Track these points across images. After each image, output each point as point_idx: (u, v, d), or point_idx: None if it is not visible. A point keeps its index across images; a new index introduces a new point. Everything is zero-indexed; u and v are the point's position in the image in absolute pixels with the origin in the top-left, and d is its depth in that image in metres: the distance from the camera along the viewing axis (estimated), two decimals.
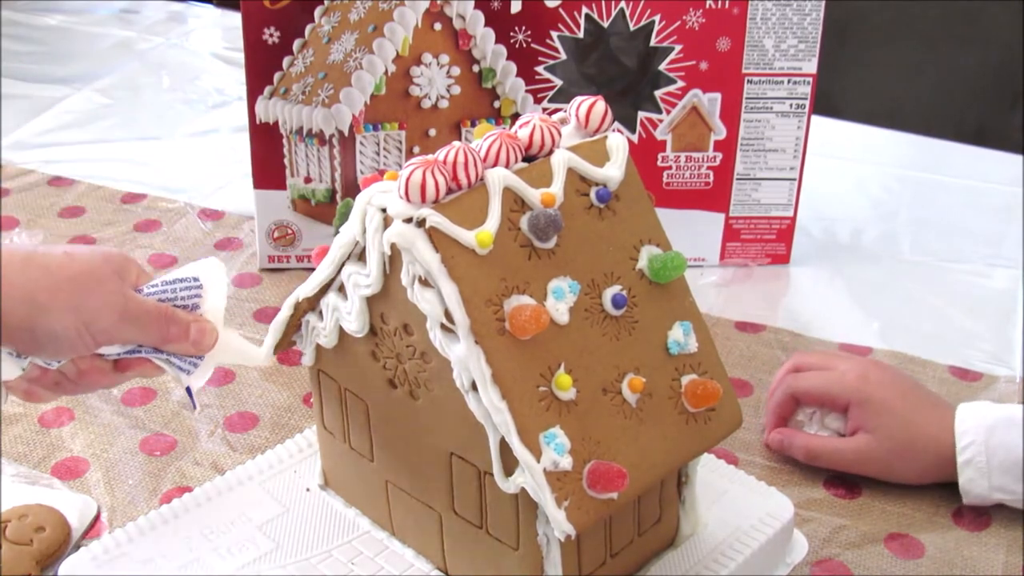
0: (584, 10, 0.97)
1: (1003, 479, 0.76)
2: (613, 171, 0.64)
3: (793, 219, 1.07)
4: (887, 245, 1.13)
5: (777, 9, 0.97)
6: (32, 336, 0.60)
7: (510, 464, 0.58)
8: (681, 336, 0.64)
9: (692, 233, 1.06)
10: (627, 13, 0.97)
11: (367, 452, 0.70)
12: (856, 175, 1.25)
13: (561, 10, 0.97)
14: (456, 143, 0.60)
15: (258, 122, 1.00)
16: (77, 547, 0.75)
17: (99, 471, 0.81)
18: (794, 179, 1.05)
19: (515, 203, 0.60)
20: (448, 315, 0.57)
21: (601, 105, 0.65)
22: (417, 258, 0.56)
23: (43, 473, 0.81)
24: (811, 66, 1.00)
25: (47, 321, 0.59)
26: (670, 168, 1.04)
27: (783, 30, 0.98)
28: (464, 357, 0.57)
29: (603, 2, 0.96)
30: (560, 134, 0.64)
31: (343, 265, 0.63)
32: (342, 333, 0.66)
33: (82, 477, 0.81)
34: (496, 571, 0.64)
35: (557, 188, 0.62)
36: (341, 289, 0.64)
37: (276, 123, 1.00)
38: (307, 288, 0.65)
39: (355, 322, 0.63)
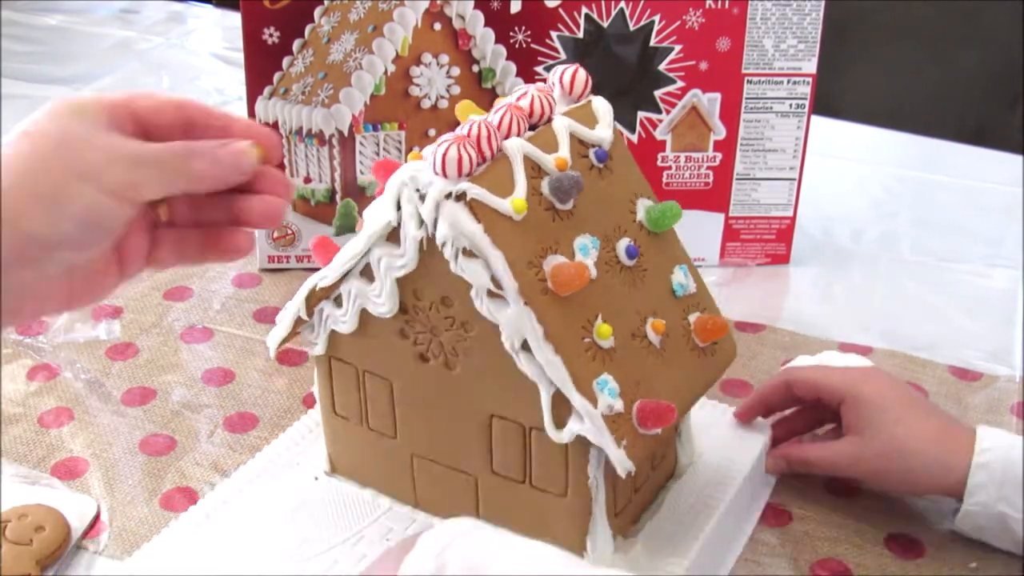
0: (584, 10, 0.97)
1: (1013, 492, 0.73)
2: (605, 132, 0.68)
3: (793, 219, 1.07)
4: (887, 245, 1.13)
5: (777, 9, 0.97)
6: (53, 213, 0.50)
7: (561, 416, 0.62)
8: (683, 278, 0.70)
9: (692, 233, 1.05)
10: (627, 13, 0.97)
11: (389, 430, 0.71)
12: (856, 175, 1.25)
13: (561, 10, 0.97)
14: (473, 117, 0.63)
15: (258, 122, 1.00)
16: (77, 547, 0.75)
17: (99, 471, 0.81)
18: (794, 179, 1.05)
19: (533, 169, 0.63)
20: (495, 281, 0.60)
21: (582, 72, 0.69)
22: (462, 231, 0.59)
23: (43, 473, 0.81)
24: (811, 66, 1.00)
25: (46, 220, 0.50)
26: (670, 168, 1.04)
27: (783, 30, 0.98)
28: (515, 319, 0.60)
29: (603, 2, 0.96)
30: (554, 102, 0.68)
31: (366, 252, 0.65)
32: (363, 317, 0.67)
33: (82, 477, 0.81)
34: (538, 522, 0.67)
35: (565, 152, 0.65)
36: (363, 274, 0.66)
37: (276, 123, 1.00)
38: (328, 275, 0.66)
39: (386, 303, 0.65)
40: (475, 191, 0.59)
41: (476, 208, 0.59)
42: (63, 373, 0.91)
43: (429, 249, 0.62)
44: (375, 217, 0.63)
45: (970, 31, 2.14)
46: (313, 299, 0.68)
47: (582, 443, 0.63)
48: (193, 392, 0.90)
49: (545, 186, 0.63)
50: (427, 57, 0.98)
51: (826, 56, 1.00)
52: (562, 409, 0.62)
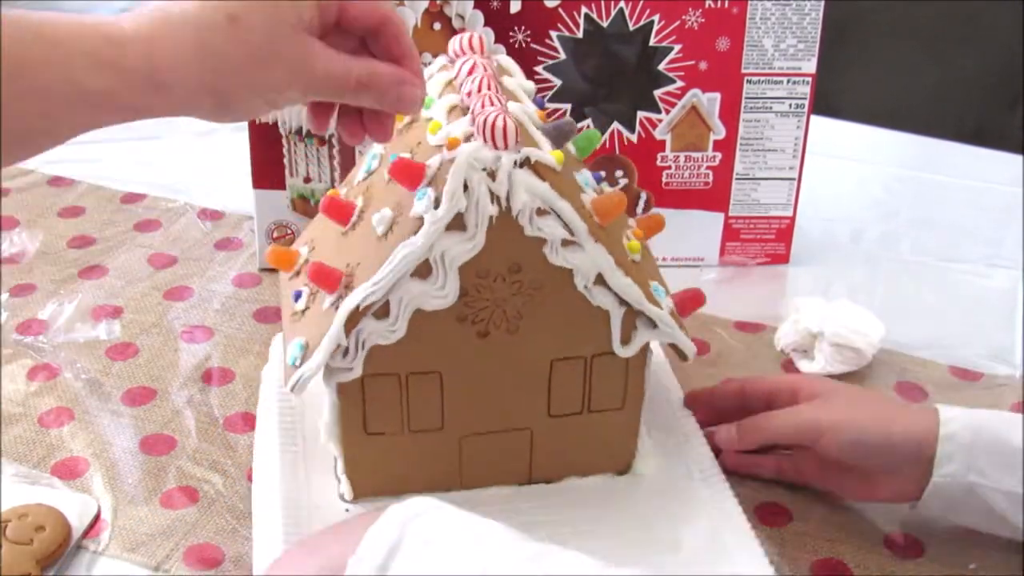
0: (583, 10, 0.97)
1: (984, 461, 0.71)
2: (529, 83, 0.77)
3: (792, 219, 1.07)
4: (887, 245, 1.13)
5: (777, 9, 0.97)
6: (221, 109, 0.61)
7: (627, 333, 0.70)
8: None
9: (691, 233, 1.06)
10: (626, 13, 0.97)
11: (435, 423, 0.73)
12: (856, 175, 1.25)
13: (560, 10, 0.97)
14: (482, 92, 0.67)
15: (257, 122, 1.00)
16: (78, 547, 0.75)
17: (99, 471, 0.81)
18: (793, 179, 1.05)
19: (533, 125, 0.69)
20: (568, 230, 0.65)
21: (470, 35, 0.75)
22: (537, 193, 0.64)
23: (43, 473, 0.81)
24: (810, 66, 1.00)
25: (229, 102, 0.60)
26: (669, 168, 1.04)
27: (783, 30, 0.98)
28: (591, 257, 0.66)
29: (602, 2, 0.96)
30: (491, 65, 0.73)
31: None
32: (411, 319, 0.67)
33: (82, 477, 0.81)
34: (591, 447, 0.76)
35: (531, 107, 0.72)
36: (414, 275, 0.65)
37: (275, 123, 1.00)
38: (375, 290, 0.65)
39: (449, 293, 0.67)
40: (536, 154, 0.64)
41: (540, 169, 0.64)
42: (63, 373, 0.91)
43: (497, 224, 0.65)
44: (443, 212, 0.63)
45: (970, 31, 2.14)
46: (352, 322, 0.66)
47: (640, 353, 0.72)
48: (193, 392, 0.90)
49: (546, 134, 0.69)
50: (427, 57, 0.98)
51: (826, 56, 1.00)
52: (628, 327, 0.70)
